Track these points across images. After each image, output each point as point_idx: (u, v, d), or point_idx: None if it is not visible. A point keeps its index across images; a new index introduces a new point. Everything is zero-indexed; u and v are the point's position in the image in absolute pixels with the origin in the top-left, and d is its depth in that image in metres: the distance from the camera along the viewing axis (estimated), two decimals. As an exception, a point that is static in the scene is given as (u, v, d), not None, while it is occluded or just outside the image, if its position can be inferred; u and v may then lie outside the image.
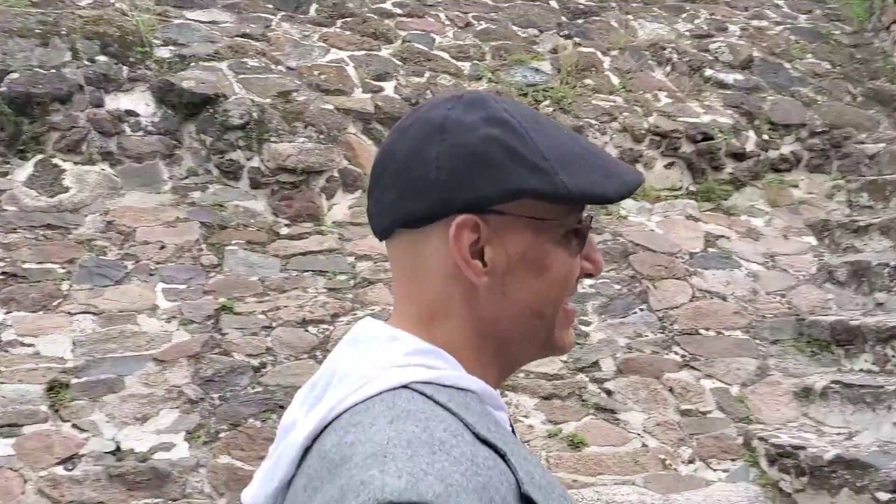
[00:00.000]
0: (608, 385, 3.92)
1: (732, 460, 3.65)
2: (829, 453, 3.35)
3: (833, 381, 3.79)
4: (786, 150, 5.49)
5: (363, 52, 5.15)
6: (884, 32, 6.59)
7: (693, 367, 4.06)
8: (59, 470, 3.09)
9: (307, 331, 3.85)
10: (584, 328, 4.16)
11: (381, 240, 0.87)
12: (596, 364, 4.00)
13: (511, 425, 0.87)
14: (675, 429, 3.76)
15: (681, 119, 5.27)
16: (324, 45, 5.16)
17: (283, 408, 3.38)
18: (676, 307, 4.36)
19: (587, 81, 5.40)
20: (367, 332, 0.83)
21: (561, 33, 5.82)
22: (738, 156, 5.30)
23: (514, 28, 5.80)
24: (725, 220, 5.06)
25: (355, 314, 3.94)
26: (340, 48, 5.15)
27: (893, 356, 3.80)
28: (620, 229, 4.78)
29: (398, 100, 4.88)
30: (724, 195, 5.20)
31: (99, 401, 3.33)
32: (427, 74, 5.12)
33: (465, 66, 5.31)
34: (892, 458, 3.20)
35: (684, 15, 6.51)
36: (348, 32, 5.33)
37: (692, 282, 4.51)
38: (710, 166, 5.24)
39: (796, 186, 5.46)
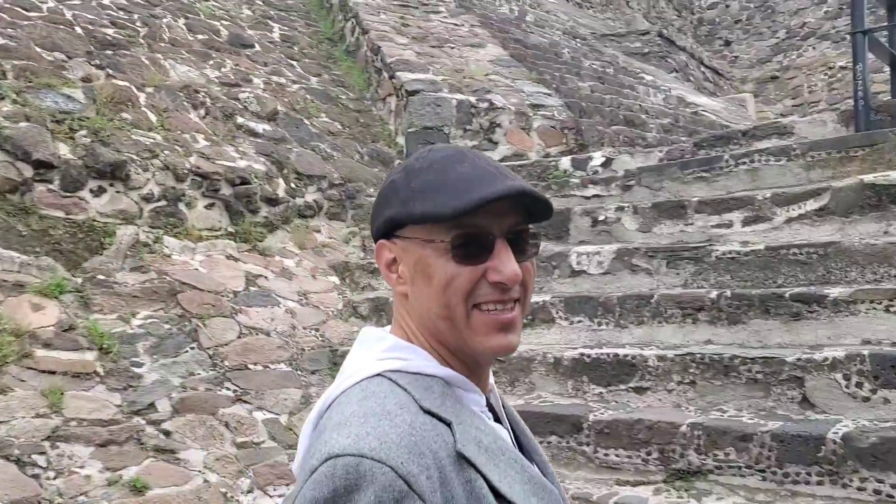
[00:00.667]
0: (165, 426, 3.88)
1: (287, 485, 3.91)
2: (372, 466, 3.83)
3: (368, 404, 4.33)
4: (309, 198, 6.05)
5: None
6: (380, 102, 7.69)
7: (245, 401, 4.25)
8: None
9: None
10: (136, 370, 4.06)
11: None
12: (152, 405, 3.93)
13: (501, 400, 1.08)
14: (234, 461, 3.89)
15: (219, 162, 5.47)
16: None
17: None
18: (226, 344, 4.50)
19: (125, 115, 5.27)
20: (366, 335, 1.05)
21: (92, 62, 5.57)
22: (272, 201, 5.68)
23: (38, 49, 5.38)
24: (262, 261, 5.37)
25: None
26: None
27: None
28: (165, 268, 4.76)
29: None
30: (259, 237, 5.51)
31: None
32: (-63, 87, 4.48)
33: (-16, 84, 4.76)
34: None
35: (211, 62, 6.74)
36: None
37: (238, 319, 4.71)
38: (247, 209, 5.52)
39: (319, 231, 6.05)
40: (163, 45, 6.54)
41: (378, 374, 0.98)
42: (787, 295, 3.67)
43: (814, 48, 18.35)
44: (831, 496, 2.86)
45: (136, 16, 6.68)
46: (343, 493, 0.84)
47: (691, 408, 3.45)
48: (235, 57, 7.08)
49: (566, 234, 5.04)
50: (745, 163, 4.75)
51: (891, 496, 2.79)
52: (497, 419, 1.08)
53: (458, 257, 0.99)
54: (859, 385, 3.14)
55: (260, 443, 4.07)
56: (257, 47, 7.55)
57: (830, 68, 16.81)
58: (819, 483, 2.90)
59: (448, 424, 0.94)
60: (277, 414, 4.28)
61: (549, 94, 7.44)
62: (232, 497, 3.71)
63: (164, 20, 6.90)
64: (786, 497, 2.94)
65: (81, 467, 3.47)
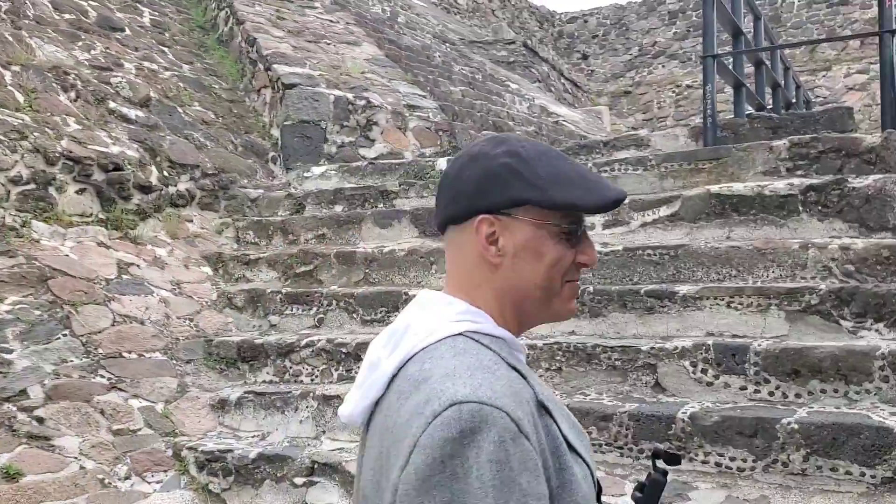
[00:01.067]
0: (38, 412, 3.80)
1: (164, 471, 3.92)
2: (252, 452, 3.91)
3: (247, 392, 4.39)
4: (182, 187, 6.00)
5: None
6: (254, 94, 7.67)
7: (120, 389, 4.21)
8: None
9: None
10: (6, 356, 3.94)
11: (440, 233, 1.22)
12: (24, 392, 3.84)
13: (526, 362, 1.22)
14: (110, 448, 3.86)
15: (91, 147, 5.33)
16: None
17: None
18: (99, 332, 4.43)
19: (-11, 94, 5.06)
20: (429, 298, 1.17)
21: (-48, 35, 5.30)
22: (145, 188, 5.60)
23: None
24: (134, 249, 5.29)
25: None
26: None
27: (290, 367, 4.59)
28: (34, 253, 4.62)
29: None
30: (131, 224, 5.42)
31: None
32: None
33: None
34: (302, 450, 3.92)
35: (80, 43, 6.53)
36: None
37: (112, 307, 4.64)
38: (119, 196, 5.42)
39: (191, 221, 6.00)
40: (27, 21, 6.28)
41: (460, 334, 1.12)
42: (642, 291, 4.04)
43: (663, 66, 19.59)
44: (679, 469, 3.22)
45: (-3, -11, 6.37)
46: (468, 434, 0.98)
47: (558, 391, 3.75)
48: (105, 40, 6.88)
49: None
50: (606, 171, 5.14)
51: (729, 468, 3.18)
52: None
53: (568, 241, 1.16)
54: (704, 371, 3.54)
55: (136, 430, 4.05)
56: (128, 31, 7.36)
57: (678, 86, 18.02)
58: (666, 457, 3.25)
59: (524, 378, 1.12)
60: (153, 402, 4.27)
61: (424, 97, 7.68)
62: (109, 483, 3.69)
63: (29, -4, 6.60)
64: (640, 471, 3.28)
65: (-51, 454, 3.36)
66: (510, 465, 0.98)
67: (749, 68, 7.21)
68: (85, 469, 3.68)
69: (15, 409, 3.74)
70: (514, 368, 1.13)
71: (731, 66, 5.88)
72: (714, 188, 4.54)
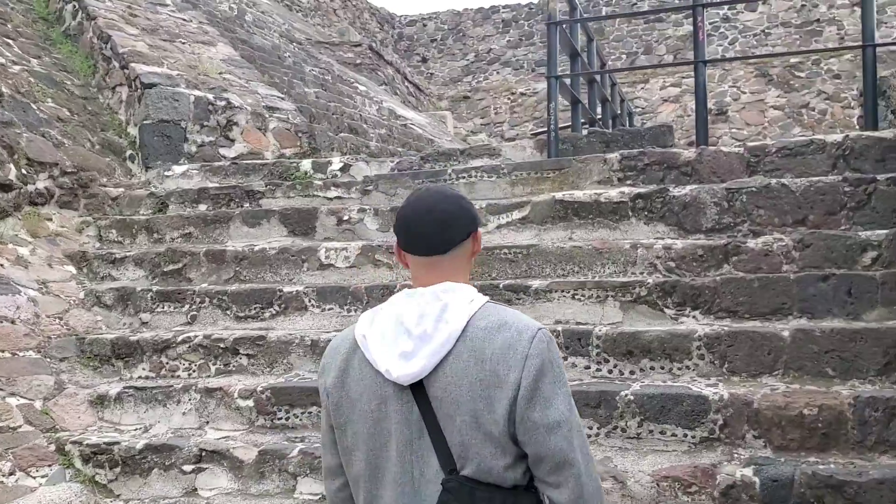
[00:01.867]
0: (-85, 412, 3.79)
1: (49, 466, 4.01)
2: (139, 443, 4.08)
3: (126, 387, 4.52)
4: (41, 185, 5.94)
5: None
6: (108, 91, 7.60)
7: (-3, 388, 4.23)
8: None
9: None
10: None
11: (441, 253, 1.70)
12: None
13: None
14: (-8, 446, 3.91)
15: (-52, 144, 5.21)
16: None
17: None
18: (-31, 331, 4.41)
19: None
20: (453, 286, 1.66)
21: None
22: (4, 187, 5.53)
23: None
24: (-5, 248, 5.22)
25: None
26: None
27: (167, 363, 4.75)
28: None
29: None
30: (-10, 223, 5.34)
31: None
32: None
33: None
34: (188, 439, 4.13)
35: (-78, 32, 6.26)
36: None
37: (-20, 306, 4.61)
38: (-22, 194, 5.32)
39: (51, 220, 5.95)
40: None
41: (488, 301, 1.71)
42: (500, 286, 4.56)
43: (498, 72, 20.57)
44: (537, 438, 3.74)
45: None
46: (549, 341, 1.65)
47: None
48: (-54, 29, 6.62)
49: (313, 232, 5.58)
50: (464, 177, 5.65)
51: (577, 435, 3.73)
52: None
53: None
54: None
55: (17, 427, 4.10)
56: (-31, 21, 7.09)
57: (513, 93, 19.03)
58: (528, 429, 3.77)
59: None
60: (31, 399, 4.32)
61: (283, 98, 7.90)
62: (-5, 479, 3.75)
63: None
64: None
65: None
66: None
67: (584, 85, 7.98)
68: (-31, 466, 3.72)
69: None
70: None
71: (569, 85, 6.56)
72: (558, 195, 5.15)
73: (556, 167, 5.48)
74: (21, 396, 4.29)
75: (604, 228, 4.93)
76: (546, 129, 5.61)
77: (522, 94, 19.13)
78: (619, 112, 9.60)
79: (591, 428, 3.71)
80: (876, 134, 4.90)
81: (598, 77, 7.68)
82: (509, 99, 19.30)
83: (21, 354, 4.54)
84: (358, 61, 14.52)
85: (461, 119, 18.57)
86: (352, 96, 10.92)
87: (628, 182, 5.24)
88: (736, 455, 3.41)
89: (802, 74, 14.98)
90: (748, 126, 15.09)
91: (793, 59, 14.95)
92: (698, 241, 4.56)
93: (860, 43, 5.38)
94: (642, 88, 17.19)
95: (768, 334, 3.80)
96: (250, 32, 10.65)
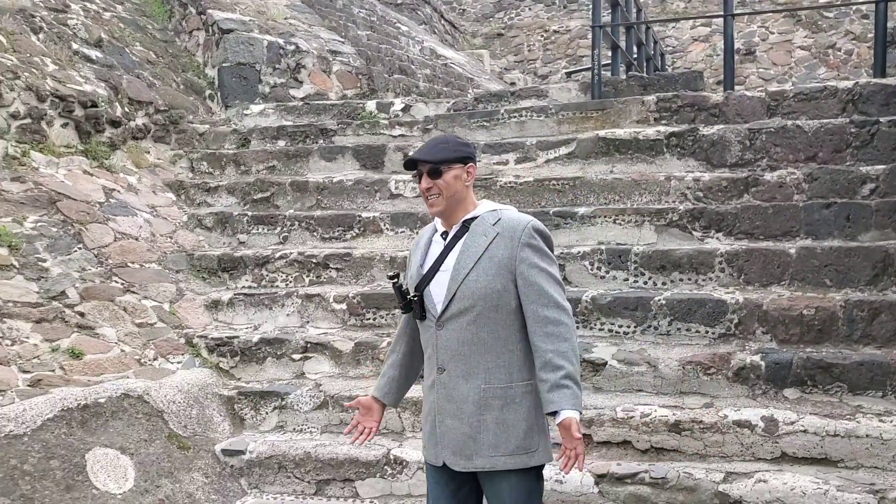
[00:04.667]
0: (79, 309, 4.68)
1: (182, 354, 4.91)
2: (255, 338, 4.96)
3: (236, 293, 5.40)
4: (139, 122, 6.74)
5: None
6: (185, 35, 8.33)
7: (133, 292, 5.11)
8: None
9: None
10: (43, 264, 4.77)
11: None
12: (64, 293, 4.70)
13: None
14: (138, 337, 4.80)
15: (70, 86, 6.01)
16: None
17: None
18: (106, 246, 5.28)
19: (-21, 36, 5.63)
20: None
21: (-69, -22, 5.77)
22: (114, 123, 6.34)
23: None
24: (111, 177, 6.06)
25: None
26: None
27: (266, 275, 5.61)
28: (39, 179, 5.36)
29: None
30: (105, 155, 6.17)
31: None
32: None
33: None
34: (294, 335, 4.99)
35: (29, -17, 7.00)
36: None
37: (111, 225, 5.48)
38: (95, 129, 6.15)
39: (149, 153, 6.77)
40: (-22, -38, 6.70)
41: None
42: (550, 212, 5.34)
43: (530, 8, 20.89)
44: (583, 335, 4.57)
45: (-55, -72, 6.72)
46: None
47: (492, 287, 5.01)
48: (46, -21, 7.34)
49: (382, 166, 6.37)
50: (515, 116, 6.38)
51: (618, 332, 4.55)
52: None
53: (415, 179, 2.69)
54: (598, 268, 4.89)
55: (153, 323, 5.00)
56: (62, -30, 7.79)
57: (546, 31, 19.43)
58: (577, 327, 4.60)
59: None
60: (160, 302, 5.20)
61: (343, 42, 8.59)
62: (144, 362, 4.66)
63: (-27, -65, 6.97)
64: (557, 337, 4.60)
65: (27, 338, 4.23)
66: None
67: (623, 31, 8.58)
68: (125, 352, 4.62)
69: (61, 305, 4.61)
70: None
71: (611, 33, 7.21)
72: (601, 133, 5.87)
73: (599, 108, 6.19)
74: (152, 300, 5.17)
75: (641, 163, 5.66)
76: (580, 67, 6.27)
77: (556, 31, 19.51)
78: (652, 54, 10.17)
79: (629, 327, 4.53)
80: (882, 81, 5.55)
81: (635, 24, 8.30)
82: (542, 36, 19.69)
83: (147, 266, 5.42)
84: (399, 1, 15.04)
85: (495, 56, 19.03)
86: (397, 37, 11.54)
87: (663, 122, 5.94)
88: (747, 346, 4.23)
89: (830, 15, 15.32)
90: (775, 66, 15.51)
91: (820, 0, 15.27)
92: (723, 174, 5.29)
93: (876, -5, 5.97)
94: (673, 28, 17.57)
95: (778, 251, 4.57)
96: (302, -25, 11.24)
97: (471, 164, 2.64)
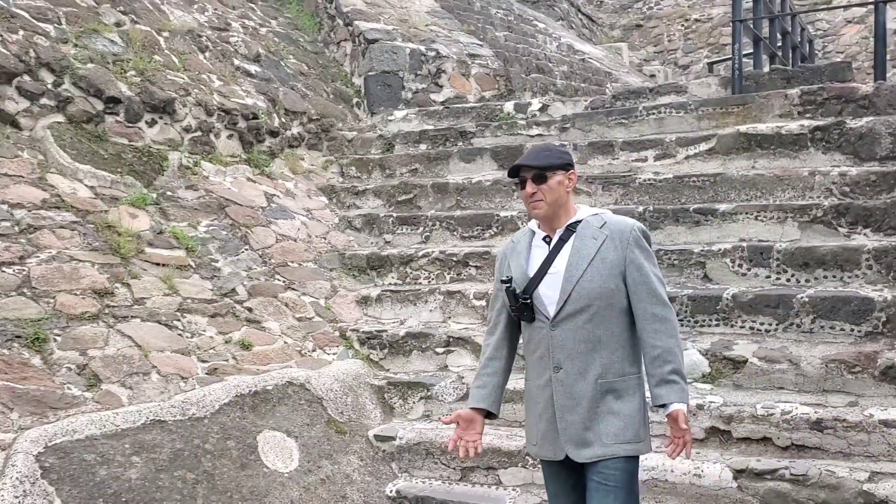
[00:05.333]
0: (247, 304, 5.15)
1: (336, 346, 5.29)
2: (401, 332, 5.28)
3: (384, 290, 5.75)
4: (294, 130, 7.24)
5: (-50, 0, 5.09)
6: (333, 46, 8.83)
7: (293, 289, 5.55)
8: None
9: (2, 272, 4.13)
10: (215, 264, 5.27)
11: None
12: (234, 290, 5.18)
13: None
14: (299, 330, 5.23)
15: (234, 100, 6.56)
16: None
17: (19, 337, 3.83)
18: (269, 247, 5.76)
19: (156, 58, 6.25)
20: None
21: (115, 8, 6.44)
22: (273, 133, 6.85)
23: (73, -4, 6.21)
24: (271, 183, 6.57)
25: (38, 256, 4.34)
26: (-76, -9, 5.00)
27: (410, 273, 5.93)
28: (209, 187, 5.91)
29: (7, 55, 5.07)
30: (265, 163, 6.69)
31: None
32: (21, 33, 5.34)
33: (50, 28, 5.62)
34: (437, 329, 5.28)
35: (195, 6, 7.65)
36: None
37: (272, 228, 5.95)
38: (256, 140, 6.68)
39: (303, 159, 7.26)
40: (153, -11, 7.39)
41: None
42: (690, 209, 5.36)
43: (670, -4, 20.45)
44: (724, 332, 4.59)
45: (125, -39, 7.45)
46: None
47: (630, 284, 5.10)
48: (209, 1, 7.99)
49: (520, 165, 6.55)
50: (654, 113, 6.40)
51: (759, 330, 4.54)
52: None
53: (517, 188, 2.85)
54: (740, 265, 4.89)
55: (311, 318, 5.41)
56: (223, -9, 8.44)
57: (687, 20, 18.96)
58: (717, 324, 4.63)
59: None
60: (317, 298, 5.62)
61: (481, 45, 8.84)
62: (304, 353, 5.07)
63: (148, -35, 7.68)
64: (696, 335, 4.65)
65: (204, 331, 4.72)
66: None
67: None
68: (287, 343, 5.05)
69: (232, 302, 5.09)
70: None
71: (752, 27, 7.07)
72: (742, 128, 5.81)
73: (739, 102, 6.12)
74: (310, 296, 5.60)
75: (784, 158, 5.57)
76: (722, 58, 6.21)
77: (697, 20, 19.00)
78: (799, 41, 9.82)
79: (770, 325, 4.51)
80: None
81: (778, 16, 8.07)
82: (683, 25, 19.22)
83: (304, 265, 5.85)
84: (535, -1, 15.16)
85: (633, 48, 18.78)
86: (534, 35, 11.69)
87: (807, 115, 5.81)
88: (895, 345, 4.13)
89: None
90: (941, 46, 14.47)
91: None
92: (872, 168, 5.14)
93: None
94: (824, 10, 16.74)
95: (932, 248, 4.42)
96: (441, -20, 11.58)
97: (572, 170, 2.81)
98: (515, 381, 3.68)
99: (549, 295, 2.77)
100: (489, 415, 2.95)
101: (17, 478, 3.15)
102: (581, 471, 2.80)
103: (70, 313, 4.14)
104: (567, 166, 2.81)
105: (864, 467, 3.60)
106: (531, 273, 2.81)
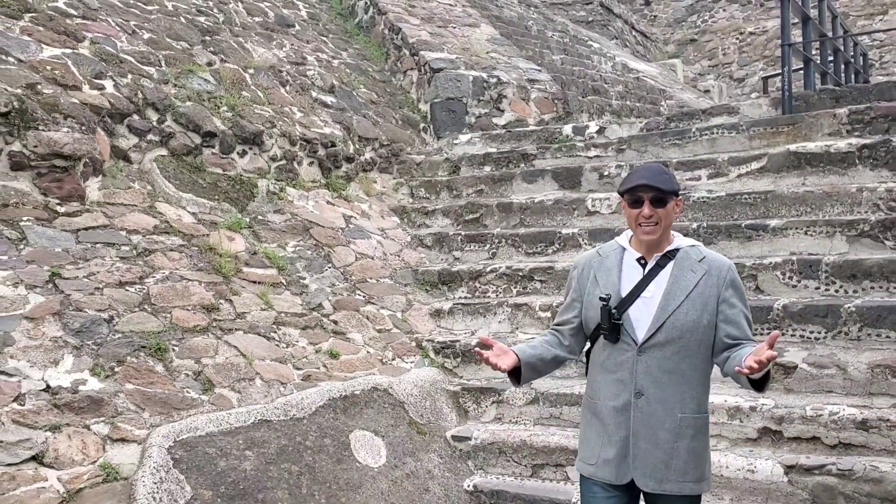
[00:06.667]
0: (332, 318, 5.66)
1: (413, 355, 5.77)
2: (472, 341, 5.73)
3: (455, 303, 6.21)
4: (367, 156, 7.78)
5: (70, 50, 5.75)
6: (400, 74, 9.37)
7: (372, 303, 6.06)
8: (17, 406, 3.64)
9: (126, 290, 4.71)
10: (303, 281, 5.81)
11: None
12: (320, 305, 5.70)
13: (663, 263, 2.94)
14: (379, 340, 5.72)
15: (314, 130, 7.13)
16: (30, 38, 5.59)
17: (144, 347, 4.38)
18: (350, 265, 6.27)
19: (244, 93, 6.86)
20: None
21: (207, 49, 7.09)
22: (349, 159, 7.40)
23: (169, 40, 6.86)
24: (348, 205, 7.10)
25: (154, 276, 4.92)
26: (48, 44, 5.66)
27: (479, 287, 6.38)
28: (294, 211, 6.46)
29: (120, 97, 5.70)
30: (342, 187, 7.23)
31: (4, 353, 3.85)
32: (130, 76, 5.98)
33: (152, 71, 6.26)
34: (504, 339, 5.70)
35: (274, 42, 8.27)
36: (42, 28, 5.80)
37: (352, 248, 6.47)
38: (333, 165, 7.22)
39: (375, 182, 7.79)
40: (236, 28, 8.04)
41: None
42: (742, 225, 5.70)
43: (724, 9, 20.56)
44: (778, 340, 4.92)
45: (210, 3, 8.12)
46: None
47: (686, 296, 5.46)
48: (286, 37, 8.61)
49: (579, 185, 6.97)
50: (706, 134, 6.75)
51: (808, 338, 4.87)
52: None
53: (630, 206, 2.82)
54: (790, 278, 5.22)
55: (389, 329, 5.90)
56: (297, 26, 9.07)
57: (741, 33, 19.13)
58: (768, 333, 4.96)
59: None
60: (394, 311, 6.11)
61: (539, 70, 9.29)
62: (385, 362, 5.55)
63: (230, 5, 8.35)
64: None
65: (297, 342, 5.24)
66: None
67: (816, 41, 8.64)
68: (370, 353, 5.54)
69: (319, 315, 5.61)
70: None
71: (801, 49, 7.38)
72: (792, 147, 6.14)
73: (789, 122, 6.44)
74: (387, 309, 6.09)
75: (833, 175, 5.88)
76: (777, 72, 6.53)
77: (751, 33, 19.14)
78: (852, 57, 10.03)
79: (819, 332, 4.83)
80: None
81: (828, 33, 8.34)
82: (737, 39, 19.38)
83: (381, 281, 6.35)
84: (590, 19, 15.57)
85: (688, 62, 19.01)
86: (589, 56, 12.09)
87: (856, 134, 6.10)
88: (939, 351, 4.42)
89: None
90: None
91: None
92: (918, 184, 5.41)
93: None
94: (880, 20, 16.76)
95: (974, 259, 4.69)
96: (499, 6, 12.09)
97: (679, 197, 2.83)
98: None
99: (639, 319, 2.76)
100: (517, 371, 2.91)
101: (154, 467, 3.68)
102: (634, 500, 2.85)
103: (184, 326, 4.70)
104: (678, 193, 2.82)
105: (906, 463, 3.91)
106: (623, 293, 2.80)
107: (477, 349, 2.87)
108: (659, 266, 2.80)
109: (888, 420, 4.07)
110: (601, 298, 2.79)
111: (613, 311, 2.76)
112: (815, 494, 3.97)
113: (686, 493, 2.78)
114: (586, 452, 2.92)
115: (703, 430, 2.84)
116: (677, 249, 2.82)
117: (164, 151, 5.94)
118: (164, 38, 6.79)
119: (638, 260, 2.85)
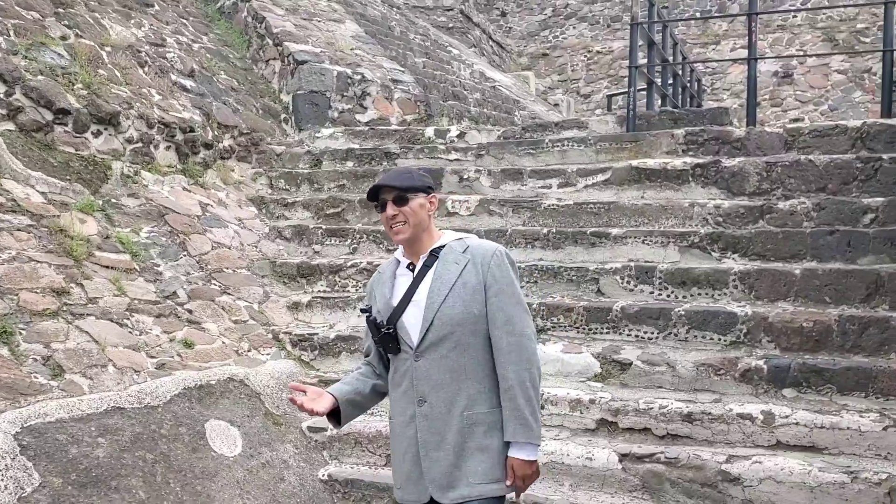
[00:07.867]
0: (187, 307, 5.58)
1: (270, 347, 5.78)
2: (331, 335, 5.81)
3: (314, 296, 6.26)
4: (226, 143, 7.68)
5: None
6: (262, 63, 9.28)
7: (229, 293, 6.01)
8: None
9: (-32, 270, 4.46)
10: (157, 268, 5.68)
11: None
12: (175, 293, 5.60)
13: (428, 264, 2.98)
14: (235, 332, 5.68)
15: (172, 114, 6.96)
16: None
17: None
18: (206, 253, 6.19)
19: (101, 72, 6.60)
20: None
21: (60, 22, 6.76)
22: (207, 145, 7.27)
23: (18, 8, 6.50)
24: (205, 193, 6.99)
25: (0, 256, 4.69)
26: None
27: (339, 281, 6.46)
28: (149, 195, 6.30)
29: (-36, 65, 5.36)
30: (199, 174, 7.10)
31: None
32: (-25, 43, 5.63)
33: (0, 40, 5.92)
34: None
35: (132, 21, 7.99)
36: None
37: (208, 236, 6.38)
38: (191, 151, 7.08)
39: (234, 171, 7.70)
40: (92, 3, 7.69)
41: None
42: (587, 232, 6.12)
43: (574, 27, 21.60)
44: (613, 339, 5.34)
45: (63, -27, 7.72)
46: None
47: (534, 296, 5.79)
48: (145, 16, 8.33)
49: (440, 187, 7.19)
50: (558, 145, 7.17)
51: (642, 337, 5.30)
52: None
53: (377, 210, 2.83)
54: (628, 283, 5.66)
55: (245, 321, 5.88)
56: (156, 6, 8.77)
57: (589, 51, 20.16)
58: (607, 332, 5.37)
59: None
60: (251, 303, 6.09)
61: (403, 71, 9.47)
62: (241, 353, 5.53)
63: (85, -22, 7.96)
64: (590, 341, 5.38)
65: (151, 329, 5.13)
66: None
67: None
68: (225, 344, 5.51)
69: (174, 304, 5.51)
70: None
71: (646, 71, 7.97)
72: (634, 162, 6.63)
73: (633, 139, 6.95)
74: (244, 300, 6.06)
75: (669, 190, 6.41)
76: (620, 91, 7.03)
77: (598, 52, 20.21)
78: (689, 82, 10.88)
79: (652, 333, 5.28)
80: (888, 121, 6.24)
81: (669, 58, 9.03)
82: (586, 57, 20.40)
83: (238, 271, 6.31)
84: (450, 25, 15.93)
85: (539, 75, 19.80)
86: (450, 62, 12.41)
87: (690, 153, 6.68)
88: (753, 352, 4.96)
89: (867, 40, 15.83)
90: (812, 89, 16.05)
91: (859, 25, 15.80)
92: (741, 202, 6.02)
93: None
94: (713, 50, 18.17)
95: (785, 272, 5.29)
96: (363, 4, 12.17)
97: (433, 194, 2.77)
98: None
99: (412, 324, 2.67)
100: (335, 413, 2.87)
101: (-1, 454, 3.54)
102: None
103: (32, 310, 4.51)
104: (428, 189, 2.76)
105: (723, 452, 4.37)
106: (395, 302, 2.72)
107: (290, 397, 2.79)
108: (426, 266, 2.75)
109: (710, 413, 4.53)
110: (361, 311, 2.80)
111: (379, 321, 2.73)
112: (646, 480, 4.36)
113: (476, 495, 2.63)
114: (394, 476, 2.87)
115: (498, 427, 2.68)
116: (443, 246, 2.77)
117: (11, 126, 5.64)
118: (12, 6, 6.42)
119: (408, 266, 2.82)
